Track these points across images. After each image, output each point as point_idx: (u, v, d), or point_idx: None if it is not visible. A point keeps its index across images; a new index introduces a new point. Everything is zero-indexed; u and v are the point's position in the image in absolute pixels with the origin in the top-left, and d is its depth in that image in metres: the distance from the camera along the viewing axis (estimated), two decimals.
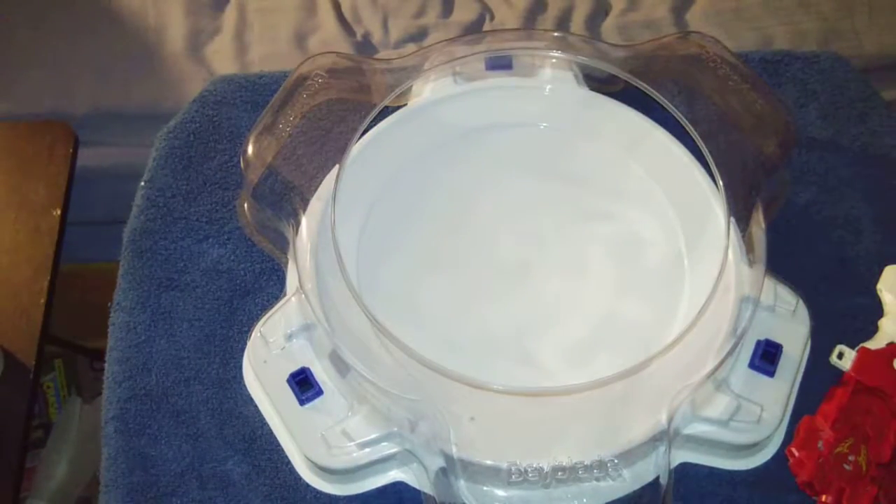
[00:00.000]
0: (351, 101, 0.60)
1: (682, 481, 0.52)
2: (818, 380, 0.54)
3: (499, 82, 0.62)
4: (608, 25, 1.08)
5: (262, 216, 0.58)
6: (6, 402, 0.78)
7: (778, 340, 0.53)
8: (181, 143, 0.64)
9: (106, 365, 0.57)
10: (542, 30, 1.02)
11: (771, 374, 0.52)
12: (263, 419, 0.54)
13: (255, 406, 0.55)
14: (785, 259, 0.56)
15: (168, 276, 0.59)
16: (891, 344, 0.54)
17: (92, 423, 1.11)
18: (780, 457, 0.53)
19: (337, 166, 0.56)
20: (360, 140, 0.58)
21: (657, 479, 0.49)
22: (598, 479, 0.48)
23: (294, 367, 0.52)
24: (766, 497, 0.52)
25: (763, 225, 0.54)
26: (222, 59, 1.05)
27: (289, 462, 0.53)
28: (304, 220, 0.55)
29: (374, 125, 0.59)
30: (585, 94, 0.62)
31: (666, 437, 0.48)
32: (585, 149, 0.62)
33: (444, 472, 0.48)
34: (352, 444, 0.49)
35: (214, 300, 0.58)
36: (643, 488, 0.49)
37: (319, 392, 0.51)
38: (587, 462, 0.48)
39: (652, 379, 0.51)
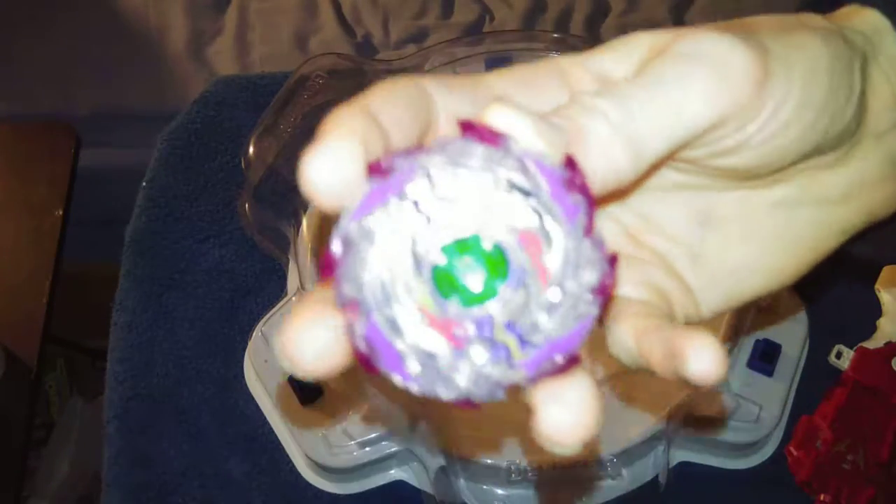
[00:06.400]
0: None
1: (680, 480, 0.52)
2: (816, 379, 0.55)
3: None
4: (608, 26, 1.08)
5: (263, 216, 0.58)
6: (8, 401, 0.78)
7: (776, 340, 0.53)
8: (182, 144, 0.64)
9: (107, 364, 0.57)
10: (541, 31, 1.02)
11: (769, 373, 0.52)
12: (265, 418, 0.54)
13: (257, 405, 0.55)
14: None
15: (169, 276, 0.59)
16: (889, 343, 0.54)
17: (93, 422, 1.11)
18: (779, 456, 0.53)
19: None
20: None
21: (656, 477, 0.49)
22: (597, 478, 0.48)
23: None
24: (764, 496, 0.52)
25: None
26: (223, 60, 1.05)
27: (290, 461, 0.53)
28: (304, 220, 0.55)
29: None
30: None
31: (665, 436, 0.48)
32: None
33: (443, 471, 0.48)
34: (352, 443, 0.49)
35: (216, 300, 0.59)
36: (642, 487, 0.49)
37: (320, 392, 0.51)
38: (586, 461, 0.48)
39: (651, 378, 0.51)
